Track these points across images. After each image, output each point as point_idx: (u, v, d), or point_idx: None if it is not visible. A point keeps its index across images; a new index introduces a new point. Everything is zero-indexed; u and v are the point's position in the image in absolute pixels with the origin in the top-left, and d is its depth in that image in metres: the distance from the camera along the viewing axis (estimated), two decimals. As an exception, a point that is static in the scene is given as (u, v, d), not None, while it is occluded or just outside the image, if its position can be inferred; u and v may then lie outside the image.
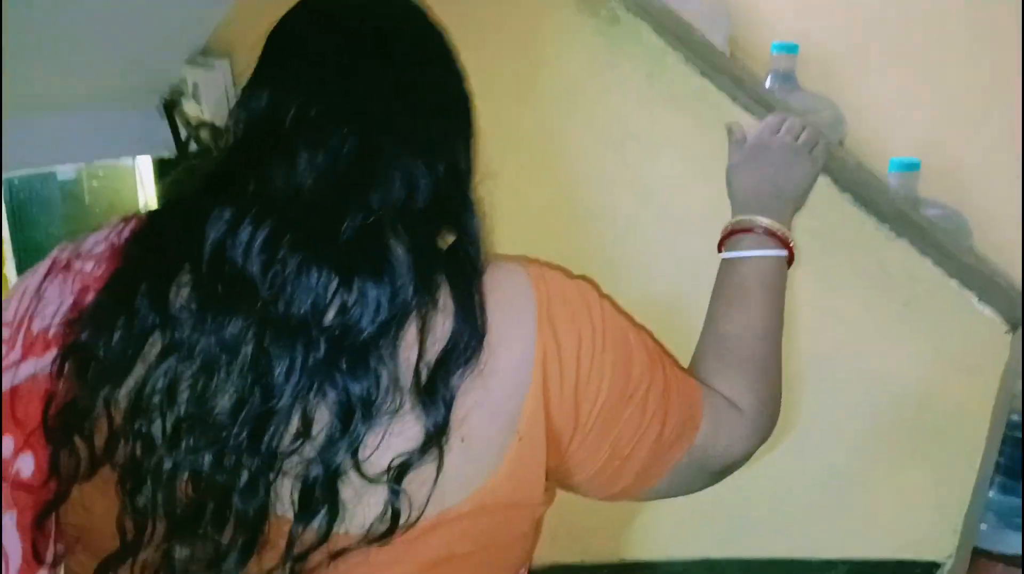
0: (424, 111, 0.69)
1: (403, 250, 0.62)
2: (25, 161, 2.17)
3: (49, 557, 0.66)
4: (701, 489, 0.79)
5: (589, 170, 1.29)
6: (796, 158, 0.90)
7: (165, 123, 2.27)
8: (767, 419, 0.80)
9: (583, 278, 0.74)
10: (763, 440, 0.80)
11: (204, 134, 1.95)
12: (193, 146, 2.19)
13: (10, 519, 0.62)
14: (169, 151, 2.29)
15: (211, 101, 2.08)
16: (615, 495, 0.74)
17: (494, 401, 0.63)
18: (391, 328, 0.60)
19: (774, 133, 0.93)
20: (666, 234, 1.24)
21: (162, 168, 2.46)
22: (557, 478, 0.71)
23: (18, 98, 1.98)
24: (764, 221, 0.86)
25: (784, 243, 0.86)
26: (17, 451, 0.63)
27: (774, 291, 0.84)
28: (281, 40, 0.73)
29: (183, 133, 2.22)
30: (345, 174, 0.63)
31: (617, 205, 1.26)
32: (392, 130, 0.66)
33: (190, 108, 2.14)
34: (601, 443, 0.68)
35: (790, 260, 0.87)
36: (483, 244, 0.68)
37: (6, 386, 0.64)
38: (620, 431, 0.69)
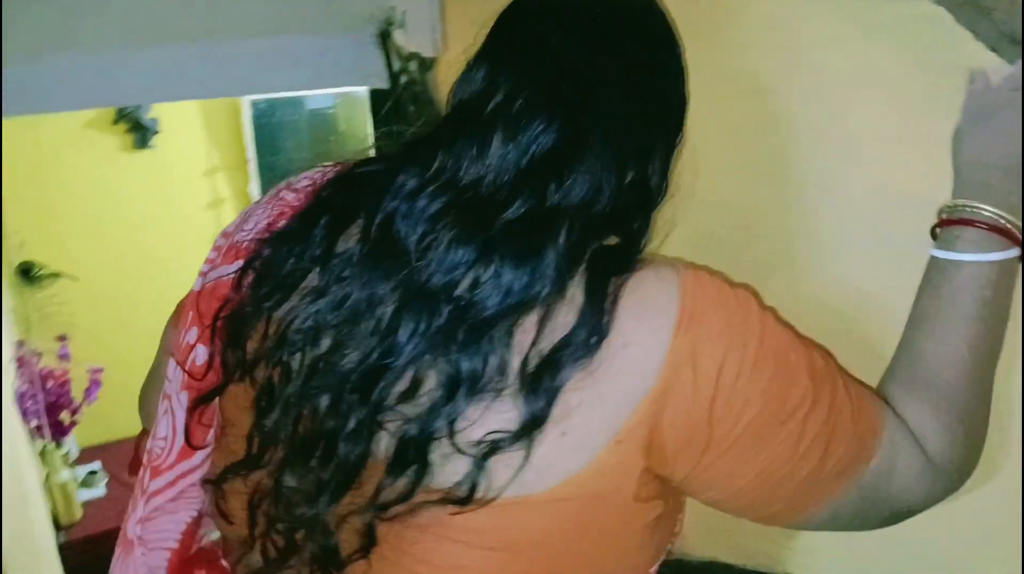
0: (634, 120, 0.67)
1: (558, 249, 0.61)
2: (237, 89, 2.20)
3: (202, 443, 0.74)
4: (863, 529, 0.69)
5: (776, 120, 0.99)
6: None
7: (380, 54, 2.21)
8: (959, 468, 0.67)
9: (744, 286, 0.67)
10: (948, 493, 0.67)
11: (413, 66, 1.93)
12: (404, 78, 2.07)
13: (183, 398, 0.73)
14: (382, 82, 2.24)
15: (418, 30, 1.97)
16: (763, 519, 0.68)
17: (604, 401, 0.61)
18: (514, 314, 0.61)
19: None
20: (868, 207, 0.90)
21: (375, 100, 2.42)
22: (691, 490, 0.67)
23: (241, 25, 1.98)
24: (989, 211, 0.68)
25: (1016, 240, 0.68)
26: (197, 341, 0.74)
27: (995, 305, 0.68)
28: (509, 21, 0.72)
29: (395, 65, 2.14)
30: (527, 171, 0.63)
31: (810, 166, 0.95)
32: (593, 136, 0.64)
33: (400, 38, 2.03)
34: (746, 464, 0.63)
35: None
36: (640, 248, 0.67)
37: (199, 286, 0.76)
38: (772, 455, 0.62)
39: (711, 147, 0.92)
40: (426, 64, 1.96)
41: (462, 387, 0.60)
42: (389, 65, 2.24)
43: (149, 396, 0.82)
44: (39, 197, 3.42)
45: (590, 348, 0.60)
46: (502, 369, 0.61)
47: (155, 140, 3.60)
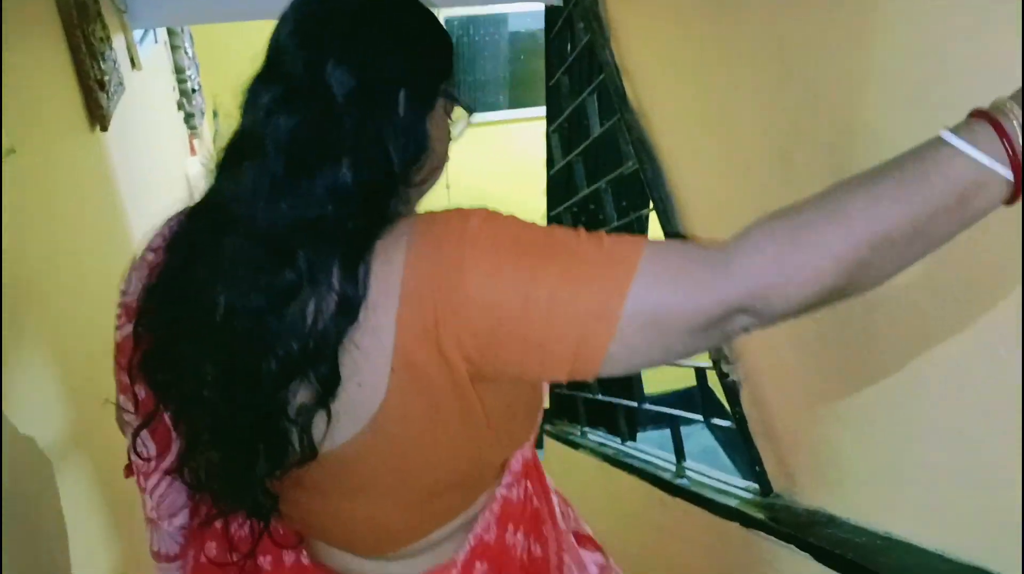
0: (349, 134, 0.72)
1: (306, 254, 0.70)
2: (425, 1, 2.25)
3: (166, 447, 0.89)
4: (686, 349, 0.68)
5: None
6: None
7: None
8: (768, 286, 0.64)
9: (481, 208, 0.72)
10: (745, 303, 0.64)
11: None
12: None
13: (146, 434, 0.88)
14: (557, -1, 2.21)
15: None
16: (577, 372, 0.69)
17: (376, 348, 0.70)
18: (282, 305, 0.70)
19: None
20: None
21: (549, 19, 2.38)
22: (499, 365, 0.71)
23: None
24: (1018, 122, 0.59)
25: (1016, 162, 0.59)
26: (125, 388, 0.88)
27: (948, 215, 0.62)
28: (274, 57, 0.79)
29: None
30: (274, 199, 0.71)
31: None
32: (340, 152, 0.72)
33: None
34: (506, 348, 0.69)
35: (1012, 198, 0.61)
36: (382, 229, 0.72)
37: (117, 340, 0.89)
38: (523, 336, 0.67)
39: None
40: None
41: (268, 378, 0.72)
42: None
43: (121, 418, 0.96)
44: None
45: (351, 315, 0.69)
46: (289, 356, 0.71)
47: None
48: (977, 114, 0.62)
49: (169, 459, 0.88)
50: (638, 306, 0.65)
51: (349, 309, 0.70)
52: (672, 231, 1.65)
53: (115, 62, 1.75)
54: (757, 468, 1.47)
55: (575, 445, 2.55)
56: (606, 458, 2.23)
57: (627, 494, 2.09)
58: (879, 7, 0.94)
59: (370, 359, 0.71)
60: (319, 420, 0.73)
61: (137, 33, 2.07)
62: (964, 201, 0.62)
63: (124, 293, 0.89)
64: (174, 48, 2.68)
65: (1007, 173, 0.60)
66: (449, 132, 0.86)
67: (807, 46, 1.08)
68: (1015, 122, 0.60)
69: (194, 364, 0.76)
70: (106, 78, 1.64)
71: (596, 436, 2.55)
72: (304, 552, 0.92)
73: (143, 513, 0.95)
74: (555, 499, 1.08)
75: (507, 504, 0.93)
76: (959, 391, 0.93)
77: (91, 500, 1.16)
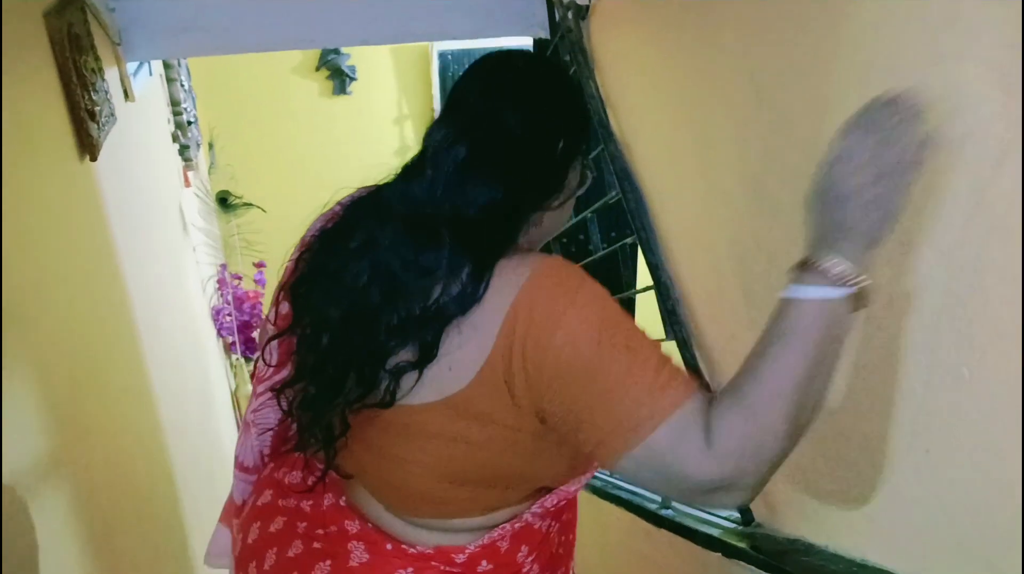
0: (519, 174, 0.92)
1: (451, 246, 0.87)
2: (409, 35, 2.29)
3: (284, 364, 1.05)
4: (658, 490, 0.99)
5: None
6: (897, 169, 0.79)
7: (544, 3, 2.22)
8: (740, 471, 0.79)
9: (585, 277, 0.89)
10: (721, 486, 0.80)
11: (570, 16, 2.06)
12: (561, 28, 2.08)
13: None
14: (544, 31, 2.25)
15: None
16: (595, 457, 0.85)
17: (473, 343, 0.86)
18: (418, 278, 0.88)
19: (880, 121, 0.79)
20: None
21: (538, 47, 2.43)
22: (547, 418, 0.86)
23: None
24: (830, 264, 0.80)
25: (844, 281, 0.79)
26: (283, 299, 1.03)
27: (822, 341, 0.80)
28: (458, 94, 0.98)
29: (557, 14, 2.14)
30: (452, 197, 0.90)
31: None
32: (494, 179, 0.90)
33: (560, -14, 2.02)
34: (556, 397, 0.84)
35: (858, 305, 0.81)
36: (508, 245, 0.91)
37: (287, 264, 1.07)
38: (573, 396, 0.83)
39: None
40: (581, 13, 1.94)
41: (394, 333, 0.88)
42: (552, 15, 2.24)
43: (262, 338, 1.13)
44: (247, 134, 3.75)
45: (464, 306, 0.85)
46: (405, 321, 0.88)
47: (352, 87, 3.82)
48: (798, 267, 0.83)
49: (280, 376, 1.04)
50: (655, 445, 0.80)
51: (465, 301, 0.85)
52: (654, 262, 1.66)
53: (107, 93, 1.78)
54: (738, 496, 1.46)
55: (565, 477, 2.54)
56: (594, 490, 2.22)
57: (614, 524, 2.08)
58: (844, 34, 0.96)
59: (466, 351, 0.86)
60: (408, 378, 0.88)
61: (132, 65, 2.10)
62: (832, 327, 0.80)
63: (307, 232, 1.10)
64: (170, 80, 2.72)
65: (843, 292, 0.79)
66: (577, 183, 1.02)
67: (777, 73, 1.10)
68: (827, 260, 0.79)
69: (327, 302, 0.94)
70: (97, 108, 1.67)
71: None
72: (343, 497, 1.05)
73: (244, 419, 1.15)
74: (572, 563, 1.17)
75: (529, 529, 1.02)
76: (924, 412, 0.93)
77: (67, 525, 1.16)
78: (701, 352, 1.56)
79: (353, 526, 1.01)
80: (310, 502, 1.05)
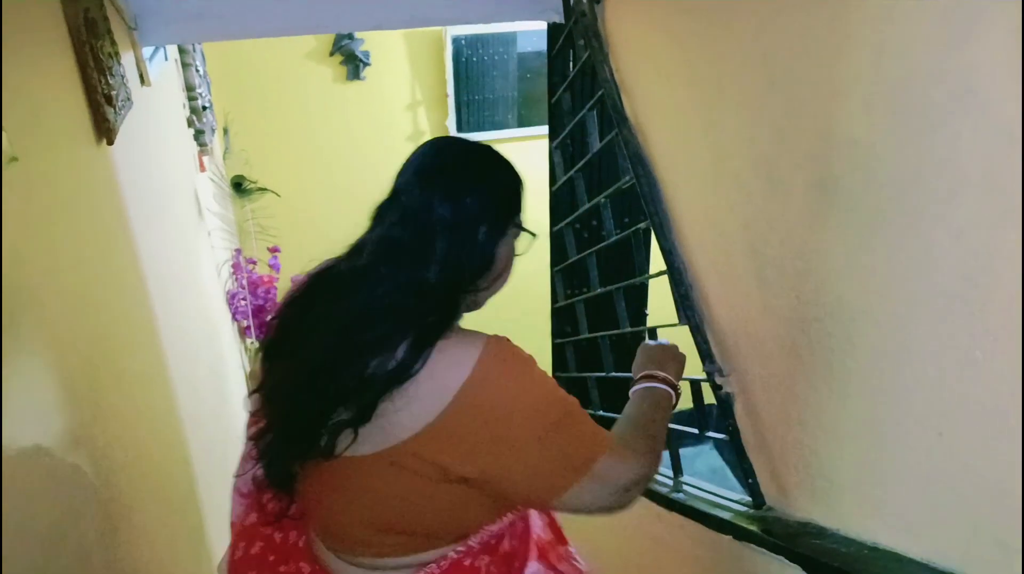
0: (453, 257, 1.04)
1: (388, 325, 1.01)
2: (422, 19, 2.29)
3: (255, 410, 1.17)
4: (613, 504, 1.08)
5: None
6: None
7: (558, -14, 2.21)
8: (647, 469, 1.10)
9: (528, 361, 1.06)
10: (645, 476, 1.10)
11: (584, 0, 2.06)
12: (575, 12, 2.07)
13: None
14: (558, 16, 2.24)
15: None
16: (532, 500, 1.11)
17: (413, 409, 0.98)
18: (357, 354, 1.00)
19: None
20: None
21: (551, 37, 2.42)
22: (486, 483, 1.03)
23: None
24: (661, 375, 1.30)
25: (675, 388, 1.30)
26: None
27: (657, 409, 1.25)
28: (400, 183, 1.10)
29: (571, -2, 2.13)
30: (391, 287, 1.03)
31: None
32: (430, 265, 1.04)
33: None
34: (514, 462, 1.01)
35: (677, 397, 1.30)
36: (448, 324, 1.04)
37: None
38: (534, 454, 1.02)
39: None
40: (596, -2, 1.93)
41: (336, 396, 1.00)
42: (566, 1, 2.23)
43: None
44: (261, 119, 3.76)
45: (400, 379, 0.97)
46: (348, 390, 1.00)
47: (366, 72, 3.82)
48: (646, 377, 1.30)
49: (256, 426, 1.15)
50: (602, 472, 1.05)
51: (401, 374, 0.98)
52: (667, 247, 1.66)
53: (123, 77, 1.79)
54: (750, 480, 1.47)
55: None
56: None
57: (626, 509, 2.09)
58: (856, 17, 0.96)
59: (401, 418, 0.99)
60: (346, 435, 1.00)
61: (147, 50, 2.11)
62: (667, 402, 1.27)
63: (288, 293, 1.21)
64: (185, 66, 2.73)
65: (668, 389, 1.27)
66: (514, 251, 1.15)
67: (789, 56, 1.10)
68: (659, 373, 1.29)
69: (286, 367, 1.07)
70: (113, 93, 1.68)
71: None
72: (303, 537, 1.19)
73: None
74: None
75: (458, 565, 1.13)
76: (937, 395, 0.93)
77: (88, 503, 1.18)
78: (714, 337, 1.56)
79: (307, 567, 1.17)
80: (280, 534, 1.21)
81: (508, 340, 1.06)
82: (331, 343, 1.02)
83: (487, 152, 1.14)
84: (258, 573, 1.18)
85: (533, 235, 1.17)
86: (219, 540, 2.03)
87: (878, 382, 1.03)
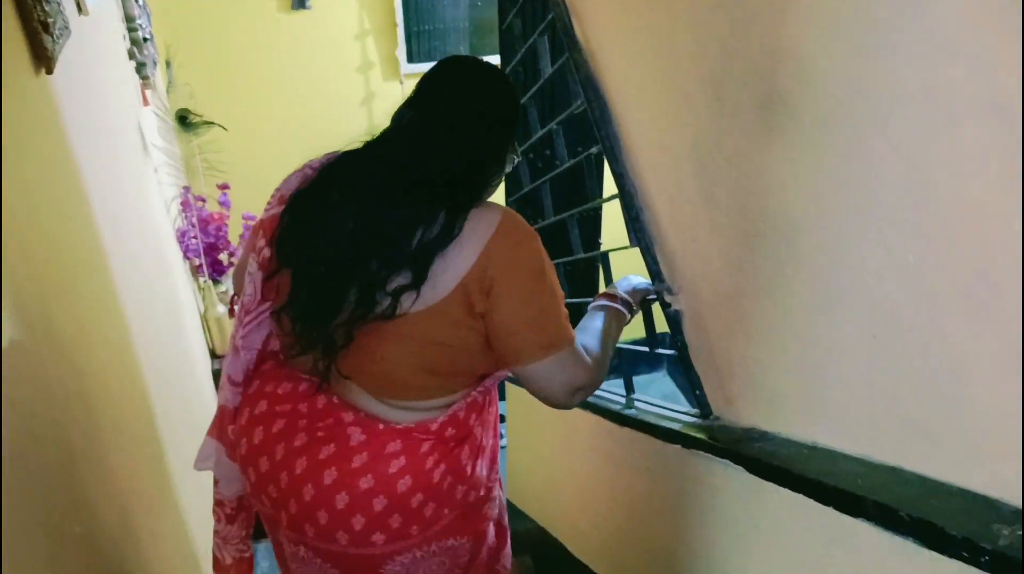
0: (480, 144, 1.29)
1: (428, 201, 1.21)
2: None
3: (270, 297, 1.34)
4: (560, 397, 1.26)
5: None
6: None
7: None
8: (598, 375, 1.30)
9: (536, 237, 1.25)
10: (594, 382, 1.29)
11: None
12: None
13: (259, 275, 1.33)
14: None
15: None
16: (508, 351, 1.24)
17: (454, 268, 1.19)
18: (405, 227, 1.20)
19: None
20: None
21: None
22: (487, 320, 1.23)
23: None
24: (621, 295, 1.55)
25: (630, 308, 1.55)
26: (265, 246, 1.32)
27: (615, 321, 1.48)
28: (424, 86, 1.33)
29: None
30: (426, 160, 1.24)
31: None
32: (460, 148, 1.26)
33: None
34: (505, 309, 1.21)
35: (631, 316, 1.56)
36: (478, 198, 1.27)
37: (265, 215, 1.34)
38: (521, 309, 1.21)
39: None
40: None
41: (388, 265, 1.19)
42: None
43: (239, 276, 1.46)
44: (204, 51, 3.66)
45: (444, 243, 1.18)
46: (400, 256, 1.19)
47: (312, 1, 3.72)
48: (605, 295, 1.54)
49: (265, 307, 1.34)
50: (563, 359, 1.23)
51: (445, 239, 1.18)
52: (619, 171, 1.68)
53: (60, 4, 1.73)
54: (697, 392, 1.53)
55: (534, 387, 2.60)
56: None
57: (581, 428, 2.16)
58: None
59: (446, 275, 1.19)
60: (406, 296, 1.18)
61: (82, -23, 2.03)
62: (620, 320, 1.49)
63: (279, 188, 1.36)
64: (122, -6, 2.63)
65: (622, 308, 1.51)
66: (504, 169, 1.38)
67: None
68: (618, 291, 1.55)
69: (317, 244, 1.23)
70: (50, 20, 1.62)
71: (554, 378, 2.60)
72: (335, 397, 1.31)
73: (231, 343, 1.39)
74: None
75: (474, 402, 1.36)
76: (873, 300, 0.98)
77: (47, 432, 1.19)
78: (664, 257, 1.60)
79: (348, 416, 1.28)
80: (305, 404, 1.30)
81: (518, 215, 1.28)
82: (368, 218, 1.21)
83: (503, 74, 1.37)
84: (286, 442, 1.28)
85: (519, 156, 1.44)
86: (181, 470, 2.06)
87: (819, 291, 1.08)
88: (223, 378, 1.40)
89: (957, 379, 0.89)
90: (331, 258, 1.21)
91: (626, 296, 1.53)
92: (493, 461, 1.46)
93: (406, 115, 1.29)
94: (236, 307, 1.43)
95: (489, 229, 1.20)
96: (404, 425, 1.28)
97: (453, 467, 1.30)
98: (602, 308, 1.49)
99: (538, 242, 1.24)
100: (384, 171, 1.23)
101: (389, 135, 1.29)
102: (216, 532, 1.51)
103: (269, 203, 1.35)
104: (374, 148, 1.28)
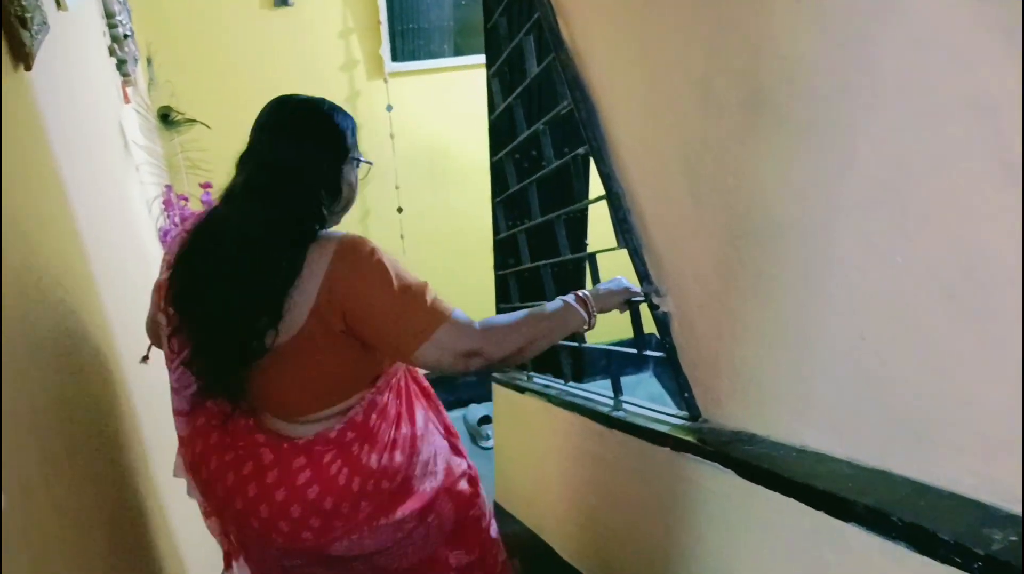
0: (309, 182, 1.42)
1: (271, 248, 1.36)
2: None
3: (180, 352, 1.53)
4: (456, 365, 1.39)
5: None
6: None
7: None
8: (487, 346, 1.40)
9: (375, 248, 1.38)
10: (487, 345, 1.40)
11: None
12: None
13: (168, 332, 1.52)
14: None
15: None
16: (393, 350, 1.42)
17: (303, 300, 1.34)
18: (262, 271, 1.36)
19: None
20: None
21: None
22: (360, 336, 1.40)
23: None
24: (582, 297, 1.57)
25: (589, 313, 1.56)
26: (165, 306, 1.50)
27: (566, 329, 1.54)
28: (255, 132, 1.47)
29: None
30: (267, 206, 1.39)
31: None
32: (291, 188, 1.41)
33: None
34: (366, 321, 1.36)
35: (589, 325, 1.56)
36: (316, 230, 1.40)
37: (159, 281, 1.52)
38: (377, 323, 1.37)
39: None
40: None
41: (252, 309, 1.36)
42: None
43: (152, 327, 1.68)
44: (186, 49, 3.62)
45: (290, 280, 1.33)
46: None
47: (295, -1, 3.68)
48: (575, 297, 1.55)
49: (183, 356, 1.50)
50: (440, 339, 1.36)
51: (291, 276, 1.33)
52: (606, 172, 1.67)
53: (38, 0, 1.70)
54: (686, 394, 1.52)
55: (521, 390, 2.59)
56: (550, 399, 2.28)
57: (569, 430, 2.15)
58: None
59: (299, 307, 1.34)
60: (269, 334, 1.34)
61: (61, -27, 2.00)
62: (567, 326, 1.53)
63: (165, 254, 1.53)
64: (103, -9, 2.59)
65: (577, 308, 1.53)
66: (357, 179, 1.52)
67: (723, -27, 1.11)
68: (587, 295, 1.56)
69: (201, 302, 1.40)
70: (28, 15, 1.59)
71: (542, 379, 2.60)
72: (251, 420, 1.51)
73: (170, 384, 1.60)
74: (421, 410, 1.68)
75: (373, 403, 1.52)
76: (859, 300, 0.98)
77: (30, 436, 1.17)
78: (651, 259, 1.59)
79: (260, 438, 1.49)
80: (230, 425, 1.51)
81: (361, 237, 1.39)
82: (231, 272, 1.36)
83: (319, 103, 1.47)
84: (218, 455, 1.50)
85: (370, 163, 1.56)
86: (163, 472, 2.03)
87: (805, 291, 1.08)
88: (173, 411, 1.62)
89: (946, 379, 0.89)
90: (208, 318, 1.40)
91: (587, 294, 1.57)
92: (412, 446, 1.59)
93: (245, 164, 1.44)
94: (149, 354, 1.72)
95: (325, 259, 1.33)
96: (306, 439, 1.46)
97: (357, 468, 1.48)
98: (556, 303, 1.55)
99: (377, 254, 1.36)
100: (238, 222, 1.38)
101: (233, 186, 1.43)
102: (209, 530, 1.73)
103: (161, 268, 1.53)
104: (227, 203, 1.43)
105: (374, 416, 1.51)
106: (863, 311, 0.97)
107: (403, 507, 1.55)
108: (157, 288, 1.55)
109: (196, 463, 1.55)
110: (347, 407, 1.49)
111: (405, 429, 1.59)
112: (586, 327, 1.54)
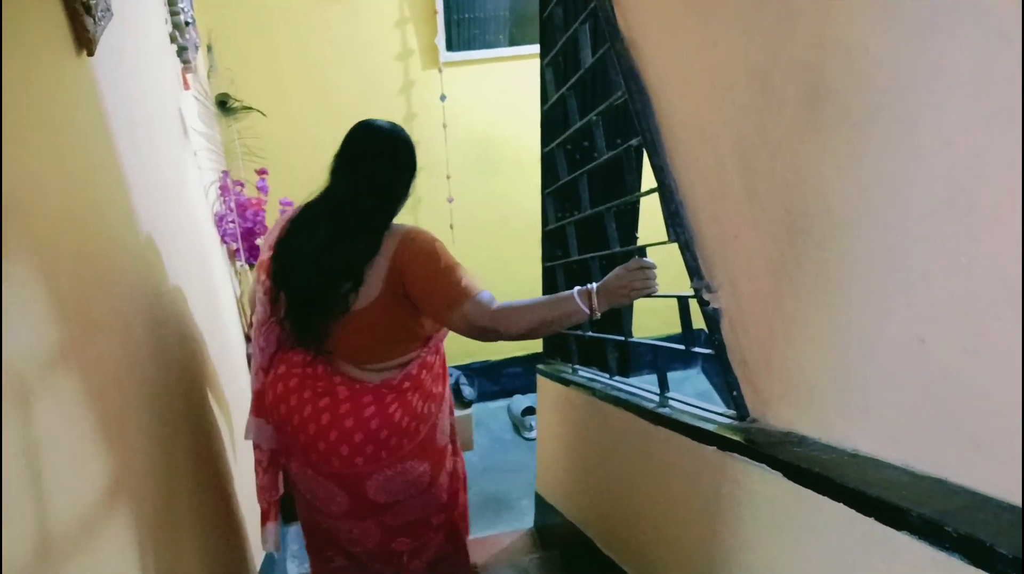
0: (389, 192, 1.91)
1: (359, 231, 1.88)
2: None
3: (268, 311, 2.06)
4: (476, 334, 1.80)
5: None
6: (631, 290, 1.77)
7: None
8: (503, 318, 1.77)
9: (434, 239, 1.88)
10: (496, 323, 1.77)
11: None
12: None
13: (265, 299, 2.04)
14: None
15: None
16: (433, 317, 1.87)
17: (378, 273, 1.84)
18: (348, 251, 1.87)
19: (631, 270, 1.77)
20: None
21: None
22: (423, 309, 1.88)
23: None
24: (595, 291, 1.79)
25: (592, 310, 1.78)
26: (265, 279, 2.02)
27: (570, 318, 1.79)
28: (345, 149, 1.93)
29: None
30: (358, 207, 1.89)
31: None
32: (379, 199, 1.90)
33: None
34: (420, 286, 1.83)
35: (590, 317, 1.78)
36: (388, 224, 1.90)
37: (262, 258, 2.05)
38: (429, 286, 1.82)
39: None
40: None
41: (339, 279, 1.87)
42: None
43: (251, 300, 2.16)
44: (245, 37, 3.66)
45: (370, 257, 1.83)
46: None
47: (353, -12, 3.70)
48: (582, 290, 1.79)
49: (279, 314, 1.98)
50: (462, 311, 1.77)
51: (371, 252, 1.83)
52: (659, 164, 1.65)
53: (102, -13, 1.73)
54: (735, 393, 1.49)
55: (566, 382, 2.58)
56: (595, 393, 2.27)
57: (614, 425, 2.13)
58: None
59: (375, 277, 1.84)
60: (352, 297, 1.83)
61: (126, -40, 2.04)
62: (571, 316, 1.77)
63: (267, 238, 2.06)
64: (165, -22, 2.64)
65: (587, 310, 1.76)
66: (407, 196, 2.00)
67: (785, -38, 1.07)
68: (592, 289, 1.77)
69: (297, 272, 1.88)
70: (92, 2, 1.62)
71: (587, 373, 2.58)
72: (328, 366, 1.99)
73: (255, 345, 2.09)
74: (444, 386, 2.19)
75: (424, 360, 2.05)
76: (920, 302, 0.94)
77: (77, 416, 1.19)
78: (702, 253, 1.56)
79: (337, 379, 1.97)
80: (310, 370, 1.99)
81: (420, 229, 1.88)
82: (326, 247, 1.84)
83: (402, 132, 1.91)
84: (298, 394, 1.96)
85: (411, 191, 2.02)
86: (239, 449, 2.07)
87: (863, 292, 1.04)
88: (255, 369, 2.09)
89: (1009, 387, 0.85)
90: (305, 282, 1.87)
91: (594, 288, 1.77)
92: (441, 402, 2.13)
93: (341, 173, 1.88)
94: (254, 323, 2.12)
95: (394, 244, 1.83)
96: (373, 383, 1.97)
97: (407, 409, 1.99)
98: (565, 294, 1.79)
99: (431, 240, 1.84)
100: (330, 213, 1.86)
101: (330, 187, 1.89)
102: (258, 487, 2.14)
103: (262, 250, 2.04)
104: (323, 198, 1.90)
105: (424, 372, 2.04)
106: (924, 314, 0.94)
107: (428, 455, 2.06)
108: (259, 266, 2.05)
109: (276, 401, 1.99)
110: (406, 361, 2.00)
111: (440, 388, 2.12)
112: (592, 318, 1.81)
